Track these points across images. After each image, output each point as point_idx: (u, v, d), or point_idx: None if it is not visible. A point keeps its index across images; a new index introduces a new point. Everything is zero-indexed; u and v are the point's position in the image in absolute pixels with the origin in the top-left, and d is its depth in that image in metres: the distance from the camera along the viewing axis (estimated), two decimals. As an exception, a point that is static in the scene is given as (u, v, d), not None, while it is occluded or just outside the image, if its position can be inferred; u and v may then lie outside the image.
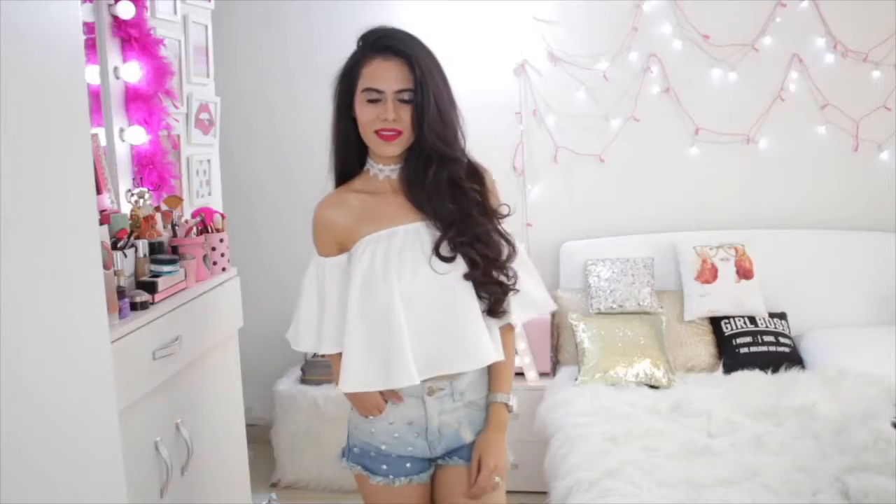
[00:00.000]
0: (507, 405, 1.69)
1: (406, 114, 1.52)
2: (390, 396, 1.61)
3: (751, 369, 2.97)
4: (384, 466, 1.64)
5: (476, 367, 1.60)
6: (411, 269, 1.55)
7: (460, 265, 1.57)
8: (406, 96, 1.52)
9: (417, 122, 1.53)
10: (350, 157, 1.64)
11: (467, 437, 1.66)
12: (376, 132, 1.53)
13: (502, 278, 1.60)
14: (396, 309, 1.52)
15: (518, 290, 1.63)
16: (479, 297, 1.59)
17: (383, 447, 1.64)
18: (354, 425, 1.68)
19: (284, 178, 3.58)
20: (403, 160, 1.60)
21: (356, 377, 1.56)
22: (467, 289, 1.57)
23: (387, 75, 1.52)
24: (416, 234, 1.57)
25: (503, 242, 1.62)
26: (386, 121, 1.51)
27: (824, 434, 2.34)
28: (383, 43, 1.54)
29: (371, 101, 1.52)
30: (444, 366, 1.58)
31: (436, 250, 1.56)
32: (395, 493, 1.64)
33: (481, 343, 1.58)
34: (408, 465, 1.64)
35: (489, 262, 1.58)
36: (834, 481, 2.06)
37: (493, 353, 1.60)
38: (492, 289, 1.59)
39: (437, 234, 1.57)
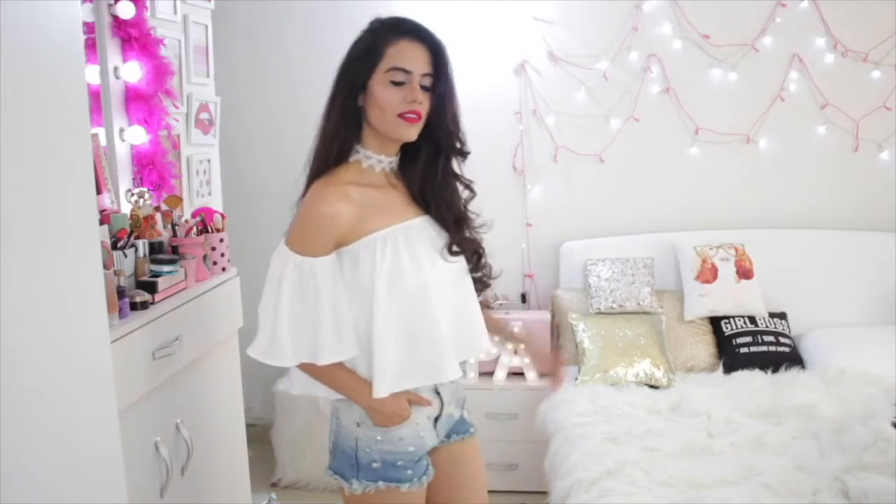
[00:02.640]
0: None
1: (426, 101, 1.51)
2: (420, 402, 1.58)
3: (751, 369, 2.97)
4: (409, 471, 1.57)
5: (484, 353, 1.69)
6: (430, 261, 1.55)
7: (461, 259, 1.63)
8: (427, 82, 1.51)
9: (438, 110, 1.52)
10: (347, 146, 1.55)
11: (456, 413, 1.70)
12: (401, 115, 1.49)
13: (486, 272, 1.70)
14: (434, 300, 1.52)
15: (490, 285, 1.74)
16: None
17: (411, 449, 1.58)
18: (372, 439, 1.57)
19: (284, 178, 3.53)
20: (402, 152, 1.60)
21: (395, 379, 1.52)
22: (470, 279, 1.66)
23: (416, 56, 1.50)
24: (424, 229, 1.58)
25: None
26: (414, 102, 1.48)
27: (824, 434, 2.34)
28: (410, 26, 1.53)
29: (395, 84, 1.49)
30: (463, 353, 1.63)
31: (451, 244, 1.59)
32: (419, 494, 1.61)
33: (484, 329, 1.68)
34: (424, 462, 1.61)
35: (481, 256, 1.68)
36: (834, 481, 2.06)
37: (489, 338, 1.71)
38: (482, 283, 1.70)
39: (438, 227, 1.60)
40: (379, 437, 1.57)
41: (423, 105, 1.51)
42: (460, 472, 1.71)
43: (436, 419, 1.65)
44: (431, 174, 1.60)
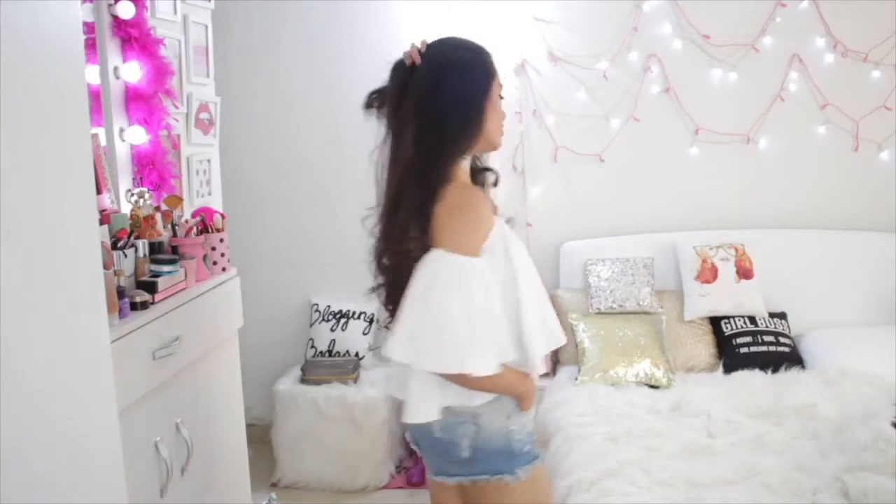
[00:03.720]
0: None
1: None
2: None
3: (751, 369, 2.97)
4: (535, 446, 1.68)
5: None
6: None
7: None
8: None
9: None
10: (467, 149, 1.63)
11: None
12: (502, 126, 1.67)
13: None
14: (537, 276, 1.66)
15: None
16: None
17: (532, 428, 1.69)
18: (522, 427, 1.63)
19: (284, 178, 3.58)
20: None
21: (538, 354, 1.60)
22: None
23: None
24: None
25: None
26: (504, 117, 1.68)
27: (824, 434, 2.34)
28: None
29: (501, 97, 1.66)
30: None
31: None
32: None
33: None
34: None
35: None
36: (834, 481, 2.06)
37: None
38: None
39: None
40: (524, 423, 1.64)
41: None
42: None
43: None
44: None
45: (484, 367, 1.50)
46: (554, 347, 1.68)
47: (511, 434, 1.60)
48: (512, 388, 1.59)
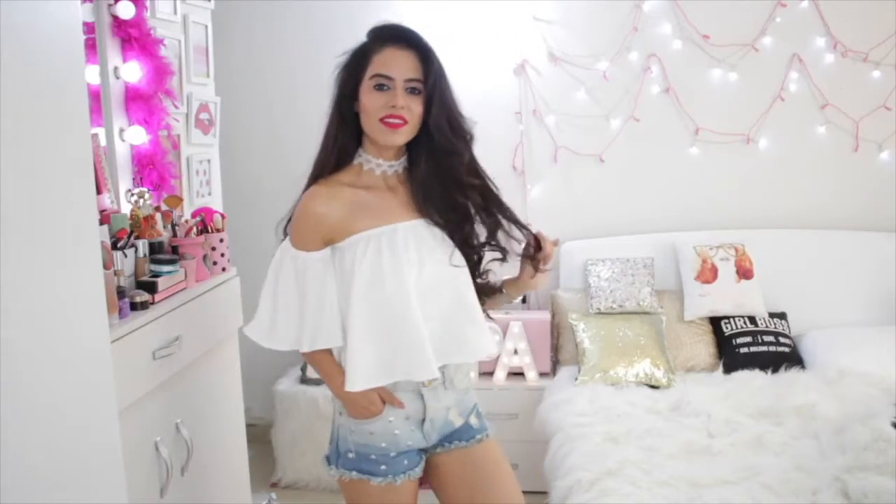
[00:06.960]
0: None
1: (414, 105, 1.53)
2: (391, 402, 1.61)
3: (751, 369, 2.97)
4: (383, 467, 1.62)
5: (480, 358, 1.65)
6: (418, 264, 1.56)
7: (461, 263, 1.64)
8: (415, 86, 1.53)
9: (430, 112, 1.53)
10: (345, 149, 1.61)
11: (457, 421, 1.70)
12: (382, 120, 1.51)
13: (486, 279, 1.72)
14: (412, 302, 1.53)
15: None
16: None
17: (383, 445, 1.62)
18: (348, 429, 1.64)
19: (284, 179, 3.55)
20: (406, 156, 1.62)
21: (363, 375, 1.55)
22: (469, 281, 1.64)
23: (399, 63, 1.52)
24: (416, 231, 1.59)
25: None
26: (394, 107, 1.50)
27: (824, 434, 2.34)
28: (396, 33, 1.55)
29: (379, 89, 1.52)
30: (451, 356, 1.61)
31: (464, 248, 1.63)
32: (397, 491, 1.63)
33: (484, 334, 1.64)
34: (405, 461, 1.64)
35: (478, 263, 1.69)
36: (834, 481, 2.06)
37: (493, 344, 1.66)
38: (484, 291, 1.71)
39: (436, 230, 1.60)
40: (352, 429, 1.64)
41: (411, 110, 1.52)
42: (474, 477, 1.70)
43: (422, 422, 1.65)
44: (431, 177, 1.59)
45: (257, 335, 1.63)
46: (389, 381, 1.58)
47: (339, 430, 1.67)
48: (324, 377, 1.65)
